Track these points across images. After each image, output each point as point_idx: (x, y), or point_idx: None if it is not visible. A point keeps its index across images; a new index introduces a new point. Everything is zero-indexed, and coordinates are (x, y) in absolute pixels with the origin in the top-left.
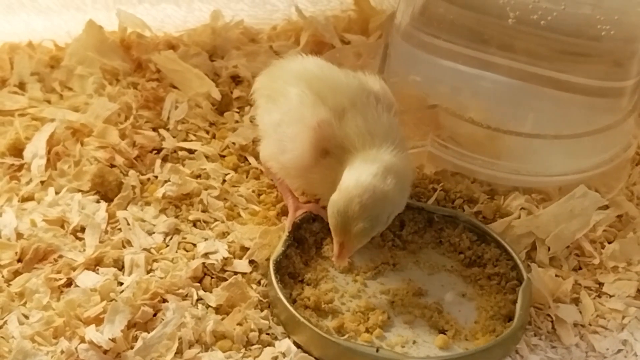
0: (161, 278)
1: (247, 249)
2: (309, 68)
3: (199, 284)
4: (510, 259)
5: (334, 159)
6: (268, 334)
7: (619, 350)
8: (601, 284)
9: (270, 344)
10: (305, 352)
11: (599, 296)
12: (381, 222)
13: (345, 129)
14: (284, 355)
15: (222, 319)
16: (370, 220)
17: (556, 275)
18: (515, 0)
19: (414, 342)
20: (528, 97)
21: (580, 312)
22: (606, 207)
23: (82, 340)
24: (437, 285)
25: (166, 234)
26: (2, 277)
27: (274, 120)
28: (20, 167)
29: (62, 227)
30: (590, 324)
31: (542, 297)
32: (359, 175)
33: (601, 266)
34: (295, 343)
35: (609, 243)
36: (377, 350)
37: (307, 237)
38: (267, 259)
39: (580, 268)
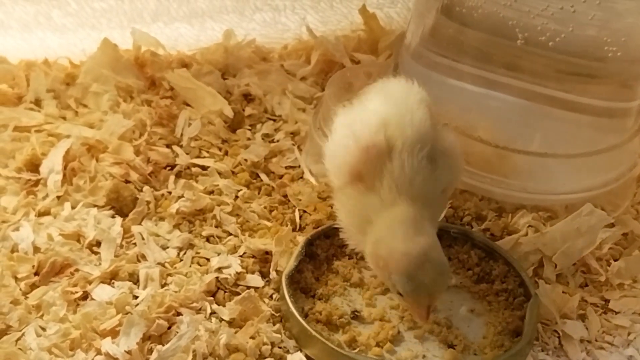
0: (175, 292)
1: (262, 260)
2: (394, 92)
3: (212, 298)
4: (518, 276)
5: (362, 188)
6: (280, 347)
7: None
8: (607, 301)
9: (282, 358)
10: None
11: (605, 313)
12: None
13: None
14: None
15: (236, 333)
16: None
17: (563, 292)
18: (524, 22)
19: (424, 356)
20: (536, 116)
21: (587, 328)
22: (612, 225)
23: (98, 353)
24: (446, 300)
25: (180, 249)
26: (20, 290)
27: (344, 121)
28: (36, 182)
29: (78, 241)
30: (596, 340)
31: (549, 313)
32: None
33: (607, 283)
34: (307, 357)
35: (615, 260)
36: None
37: (319, 252)
38: (278, 272)
39: (586, 285)
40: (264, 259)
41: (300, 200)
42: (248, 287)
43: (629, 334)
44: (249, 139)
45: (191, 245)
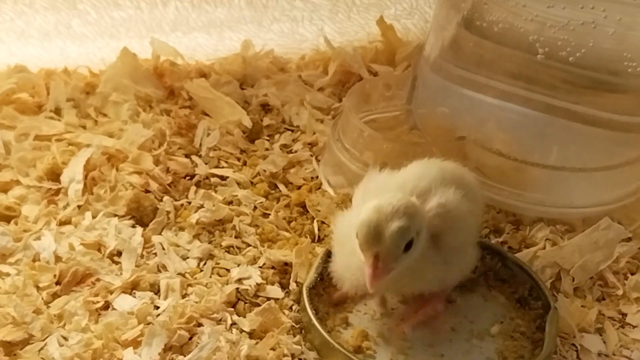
0: (196, 302)
1: (282, 271)
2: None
3: (232, 309)
4: (536, 287)
5: None
6: (301, 359)
7: None
8: (624, 315)
9: None
10: None
11: (623, 326)
12: (414, 228)
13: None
14: None
15: (256, 344)
16: (406, 219)
17: (581, 306)
18: (545, 37)
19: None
20: (554, 130)
21: (604, 342)
22: (629, 239)
23: None
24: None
25: (200, 259)
26: (42, 299)
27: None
28: (57, 192)
29: (99, 250)
30: (614, 354)
31: (567, 326)
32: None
33: (624, 297)
34: None
35: (632, 274)
36: None
37: None
38: (298, 284)
39: (603, 299)
40: (283, 270)
41: (319, 211)
42: (268, 299)
43: None
44: (267, 149)
45: (211, 256)
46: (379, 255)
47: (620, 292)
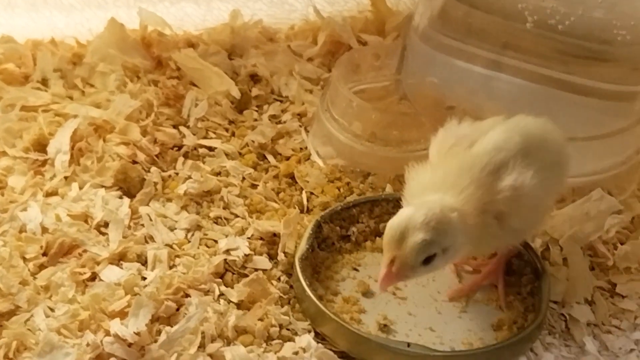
0: (183, 273)
1: (270, 242)
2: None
3: (220, 280)
4: (526, 254)
5: None
6: (289, 329)
7: (632, 350)
8: (614, 285)
9: (290, 339)
10: (325, 347)
11: (612, 296)
12: (439, 244)
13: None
14: (304, 350)
15: (244, 315)
16: (433, 234)
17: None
18: (533, 5)
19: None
20: (543, 99)
21: (594, 312)
22: (620, 211)
23: (107, 334)
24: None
25: (188, 230)
26: (28, 270)
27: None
28: (44, 163)
29: (86, 222)
30: (603, 324)
31: (556, 296)
32: (426, 201)
33: (614, 267)
34: (315, 338)
35: (622, 244)
36: (409, 346)
37: (330, 235)
38: (286, 254)
39: (593, 269)
40: (271, 241)
41: (307, 182)
42: (256, 269)
43: (635, 317)
44: (255, 120)
45: (199, 227)
46: (396, 260)
47: (610, 263)
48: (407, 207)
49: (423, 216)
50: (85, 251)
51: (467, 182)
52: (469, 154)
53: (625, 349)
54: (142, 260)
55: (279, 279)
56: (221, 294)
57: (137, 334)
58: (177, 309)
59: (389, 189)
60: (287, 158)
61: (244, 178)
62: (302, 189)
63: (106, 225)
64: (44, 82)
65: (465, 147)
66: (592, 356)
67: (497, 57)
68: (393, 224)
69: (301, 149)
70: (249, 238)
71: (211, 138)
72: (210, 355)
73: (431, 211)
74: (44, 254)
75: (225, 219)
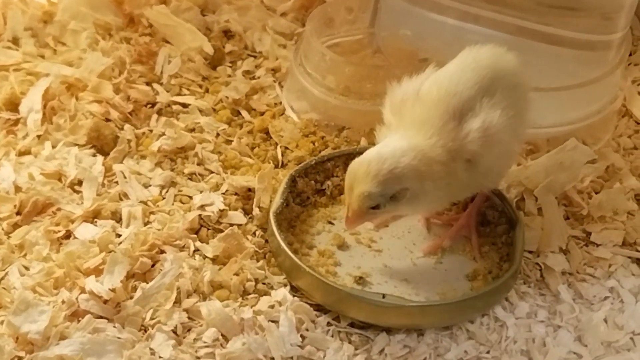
0: (158, 230)
1: (245, 197)
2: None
3: (195, 236)
4: (500, 205)
5: None
6: (264, 283)
7: (606, 297)
8: (589, 234)
9: (266, 293)
10: (301, 300)
11: (587, 245)
12: (386, 196)
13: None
14: (280, 303)
15: (219, 270)
16: (377, 186)
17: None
18: None
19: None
20: (517, 50)
21: (568, 260)
22: (594, 160)
23: (83, 291)
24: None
25: (162, 187)
26: (2, 229)
27: None
28: (16, 122)
29: (60, 180)
30: (578, 272)
31: (531, 245)
32: (384, 146)
33: (588, 216)
34: (291, 292)
35: (596, 193)
36: (384, 297)
37: (305, 189)
38: (261, 209)
39: (568, 218)
40: (246, 196)
41: (282, 136)
42: (231, 225)
43: (609, 265)
44: (229, 76)
45: (173, 183)
46: (349, 207)
47: (584, 212)
48: (367, 152)
49: (375, 169)
50: (59, 209)
51: (430, 129)
52: (422, 103)
53: (599, 297)
54: (117, 217)
55: (254, 233)
56: (196, 250)
57: (113, 290)
58: (153, 265)
59: (363, 142)
60: (262, 113)
61: (218, 134)
62: (276, 143)
63: (80, 183)
64: (15, 41)
65: (415, 98)
66: (566, 304)
67: (470, 8)
68: (349, 171)
69: (275, 104)
70: (223, 193)
71: (185, 95)
72: (186, 310)
73: (383, 162)
74: (18, 213)
75: (200, 175)
